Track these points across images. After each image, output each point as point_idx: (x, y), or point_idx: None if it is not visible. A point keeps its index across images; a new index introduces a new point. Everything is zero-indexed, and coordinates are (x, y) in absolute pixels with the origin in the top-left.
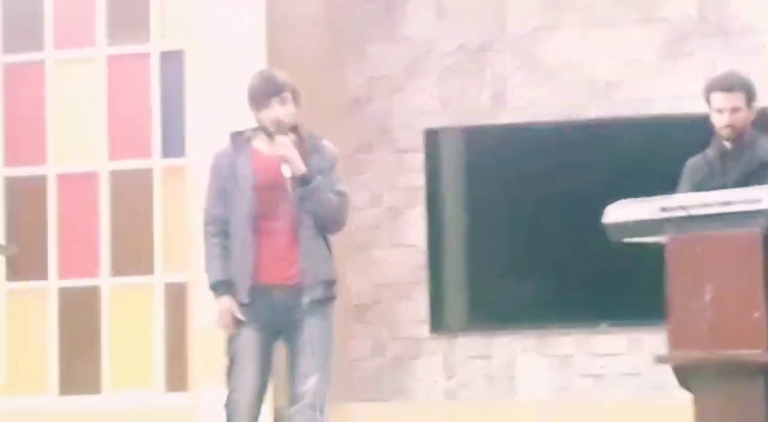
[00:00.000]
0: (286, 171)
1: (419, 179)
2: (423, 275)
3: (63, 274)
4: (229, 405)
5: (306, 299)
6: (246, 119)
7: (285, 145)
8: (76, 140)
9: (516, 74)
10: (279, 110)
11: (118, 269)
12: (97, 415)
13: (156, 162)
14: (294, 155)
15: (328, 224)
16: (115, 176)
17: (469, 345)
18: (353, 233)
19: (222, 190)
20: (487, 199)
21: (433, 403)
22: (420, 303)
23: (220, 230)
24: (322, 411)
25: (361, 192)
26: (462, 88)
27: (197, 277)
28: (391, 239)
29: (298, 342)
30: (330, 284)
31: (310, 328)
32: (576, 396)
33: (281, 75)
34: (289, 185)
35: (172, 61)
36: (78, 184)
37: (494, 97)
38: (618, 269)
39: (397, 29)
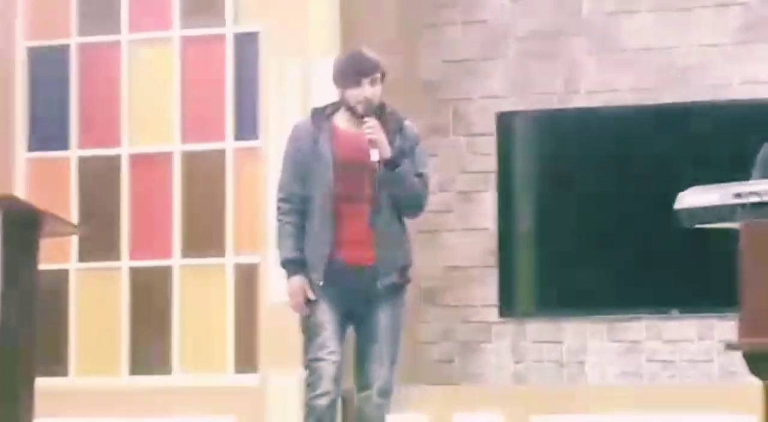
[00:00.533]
0: (375, 155)
1: (491, 163)
2: (493, 260)
3: (135, 255)
4: (312, 375)
5: (380, 284)
6: (318, 102)
7: (374, 127)
8: (150, 122)
9: (590, 59)
10: (369, 90)
11: (189, 251)
12: (167, 395)
13: (229, 144)
14: (382, 138)
15: (409, 208)
16: (188, 157)
17: (539, 329)
18: (424, 216)
19: (301, 165)
20: (559, 184)
21: (501, 387)
22: (490, 288)
23: (295, 207)
24: (389, 398)
25: (433, 175)
26: (536, 73)
27: (268, 259)
28: (462, 223)
29: (371, 327)
30: (405, 269)
31: (385, 314)
32: (645, 381)
33: (374, 55)
34: (375, 168)
35: (247, 42)
36: (151, 165)
37: (568, 81)
38: (690, 256)
39: (472, 12)
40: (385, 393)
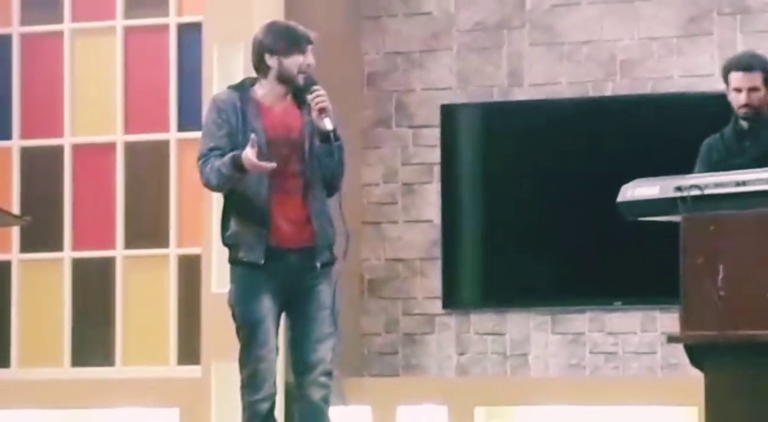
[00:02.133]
0: (329, 124)
1: (435, 155)
2: (437, 252)
3: (77, 246)
4: (253, 377)
5: (318, 263)
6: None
7: (325, 96)
8: (93, 112)
9: (533, 51)
10: (311, 58)
11: (132, 242)
12: (109, 387)
13: (172, 134)
14: (331, 107)
15: (337, 182)
16: (131, 147)
17: (482, 321)
18: (367, 208)
19: (229, 137)
20: (503, 176)
21: (445, 379)
22: (433, 279)
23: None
24: (332, 378)
25: (377, 167)
26: (479, 65)
27: (211, 250)
28: (405, 215)
29: (310, 308)
30: (332, 246)
31: (323, 293)
32: (588, 373)
33: None
34: (311, 140)
35: (190, 32)
36: (94, 156)
37: (511, 73)
38: (633, 248)
39: (416, 4)
40: (330, 374)
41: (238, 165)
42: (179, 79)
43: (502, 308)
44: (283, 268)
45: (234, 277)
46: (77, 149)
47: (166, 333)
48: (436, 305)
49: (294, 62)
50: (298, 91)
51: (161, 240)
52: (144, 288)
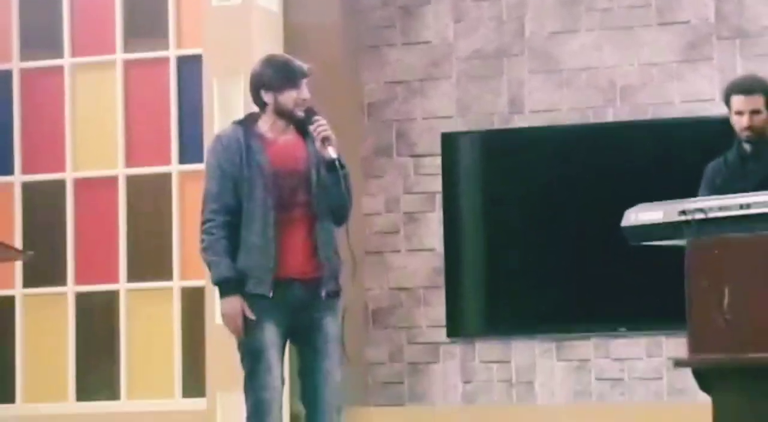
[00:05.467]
0: (332, 152)
1: (437, 184)
2: (440, 280)
3: (80, 280)
4: (259, 407)
5: (323, 293)
6: None
7: (326, 125)
8: (95, 146)
9: (533, 78)
10: (306, 92)
11: (135, 275)
12: (114, 421)
13: (174, 167)
14: (334, 136)
15: (346, 212)
16: (133, 181)
17: (487, 349)
18: (370, 237)
19: (233, 177)
20: (505, 203)
21: (450, 408)
22: (438, 308)
23: (228, 220)
24: (341, 413)
25: (378, 197)
26: (479, 93)
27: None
28: (408, 244)
29: (318, 340)
30: (338, 277)
31: (329, 325)
32: (594, 400)
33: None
34: (317, 170)
35: (190, 65)
36: (96, 190)
37: (511, 101)
38: (637, 274)
39: (415, 34)
40: (340, 409)
41: (221, 286)
42: (180, 111)
43: (506, 336)
44: (290, 299)
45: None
46: (79, 183)
47: (171, 366)
48: (441, 334)
49: (288, 97)
50: (299, 124)
51: (165, 273)
52: (148, 321)
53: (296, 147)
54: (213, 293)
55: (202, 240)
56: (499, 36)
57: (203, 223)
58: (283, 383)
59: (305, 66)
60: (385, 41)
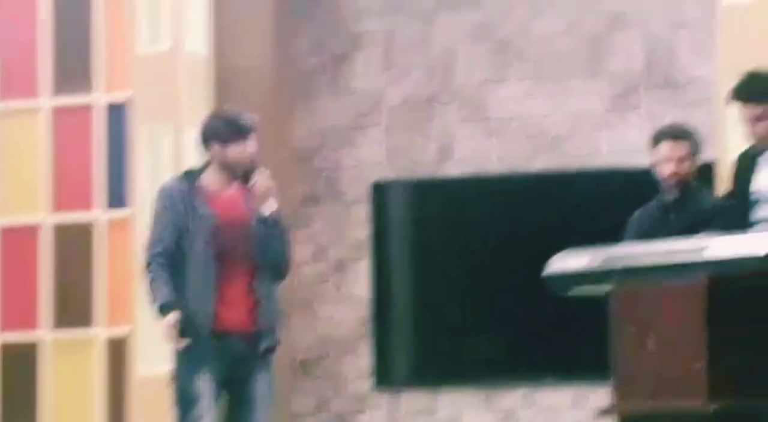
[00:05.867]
0: (272, 206)
1: (365, 232)
2: (368, 330)
3: (3, 327)
4: None
5: (262, 348)
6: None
7: (268, 180)
8: (19, 193)
9: (463, 127)
10: (252, 146)
11: (58, 323)
12: None
13: (99, 214)
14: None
15: (285, 266)
16: (58, 228)
17: (414, 400)
18: (298, 286)
19: (175, 226)
20: (434, 252)
21: None
22: (365, 358)
23: (170, 262)
24: None
25: (307, 245)
26: (409, 141)
27: (138, 331)
28: (336, 294)
29: (251, 393)
30: (276, 331)
31: (262, 379)
32: None
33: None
34: (260, 224)
35: (117, 111)
36: (20, 237)
37: (441, 149)
38: (565, 324)
39: (345, 81)
40: None
41: (162, 311)
42: (107, 157)
43: (434, 386)
44: (228, 350)
45: (177, 354)
46: (3, 230)
47: (92, 418)
48: (368, 384)
49: (235, 152)
50: (244, 177)
51: (88, 321)
52: (71, 372)
53: (240, 201)
54: (136, 343)
55: (148, 273)
56: (429, 83)
57: (148, 264)
58: None
59: (254, 119)
60: (315, 89)
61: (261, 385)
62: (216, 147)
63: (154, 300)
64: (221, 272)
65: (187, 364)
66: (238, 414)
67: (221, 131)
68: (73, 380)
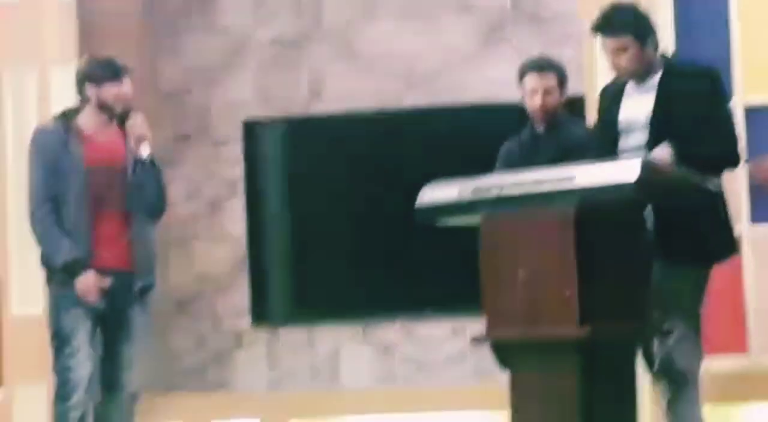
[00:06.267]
0: (146, 150)
1: (238, 171)
2: (244, 268)
3: None
4: (64, 387)
5: (138, 286)
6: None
7: (143, 124)
8: None
9: (333, 65)
10: (127, 87)
11: None
12: None
13: None
14: (149, 134)
15: (161, 207)
16: None
17: (292, 336)
18: (172, 225)
19: (52, 170)
20: (307, 189)
21: (257, 394)
22: (242, 296)
23: (54, 208)
24: (136, 401)
25: (179, 185)
26: (280, 80)
27: (10, 270)
28: (210, 232)
29: (124, 329)
30: (152, 271)
31: (138, 316)
32: (400, 383)
33: None
34: (136, 166)
35: None
36: None
37: (312, 88)
38: (441, 256)
39: (214, 20)
40: (137, 397)
41: (68, 268)
42: None
43: (311, 322)
44: (101, 290)
45: (51, 291)
46: None
47: None
48: (245, 321)
49: (110, 93)
50: (119, 120)
51: None
52: None
53: (115, 143)
54: (9, 283)
55: (35, 230)
56: (298, 22)
57: (32, 214)
58: (91, 366)
59: (125, 65)
60: (184, 27)
61: (136, 320)
62: (91, 89)
63: (54, 257)
64: (97, 213)
65: (61, 301)
66: (114, 350)
67: (96, 72)
68: None
